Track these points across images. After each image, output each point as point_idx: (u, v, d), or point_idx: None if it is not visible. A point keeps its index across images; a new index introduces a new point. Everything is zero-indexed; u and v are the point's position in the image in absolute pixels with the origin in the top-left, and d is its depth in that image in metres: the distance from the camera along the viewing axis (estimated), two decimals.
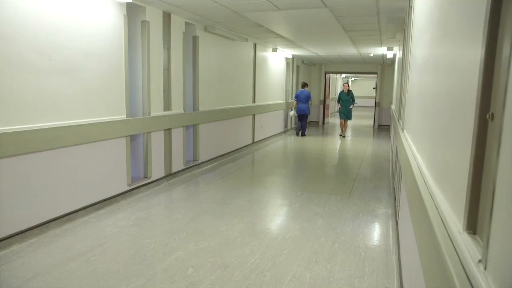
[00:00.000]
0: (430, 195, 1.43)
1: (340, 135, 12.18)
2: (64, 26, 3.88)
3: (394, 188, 5.39)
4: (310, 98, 12.01)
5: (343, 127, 12.15)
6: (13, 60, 3.38)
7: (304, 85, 12.28)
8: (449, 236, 1.03)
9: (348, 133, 13.41)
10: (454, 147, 1.16)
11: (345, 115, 11.96)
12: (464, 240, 0.91)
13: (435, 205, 1.30)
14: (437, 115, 1.56)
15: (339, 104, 12.19)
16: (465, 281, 0.80)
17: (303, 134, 12.17)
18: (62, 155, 3.97)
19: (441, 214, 1.20)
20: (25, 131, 3.51)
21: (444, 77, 1.44)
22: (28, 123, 3.57)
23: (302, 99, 11.85)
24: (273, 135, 11.37)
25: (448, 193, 1.21)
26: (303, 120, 12.10)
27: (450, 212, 1.13)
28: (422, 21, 2.54)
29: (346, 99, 11.90)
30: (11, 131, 3.38)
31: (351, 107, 11.92)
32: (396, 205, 4.51)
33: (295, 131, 12.49)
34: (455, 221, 1.04)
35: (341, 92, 12.16)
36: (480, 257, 0.79)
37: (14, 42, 3.38)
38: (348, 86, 12.11)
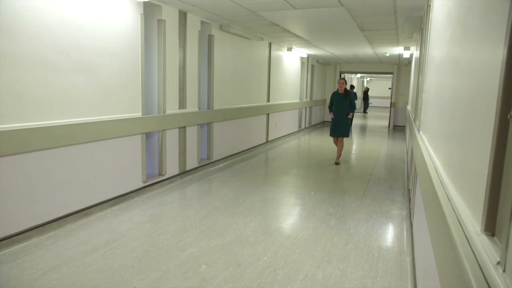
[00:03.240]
0: (447, 196, 1.42)
1: (335, 163, 7.59)
2: (82, 25, 3.95)
3: (408, 189, 5.33)
4: (357, 96, 14.99)
5: (338, 148, 7.70)
6: (35, 59, 3.46)
7: (352, 86, 16.54)
8: (466, 238, 1.02)
9: (359, 135, 13.05)
10: (473, 148, 1.14)
11: (339, 129, 7.47)
12: (482, 242, 0.90)
13: (452, 206, 1.29)
14: (455, 115, 1.54)
15: (330, 113, 7.61)
16: (483, 283, 0.79)
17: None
18: (80, 152, 4.05)
19: (458, 216, 1.18)
20: (45, 127, 3.58)
21: (463, 77, 1.42)
22: (48, 120, 3.64)
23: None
24: (287, 135, 11.35)
25: (466, 195, 1.19)
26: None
27: (468, 213, 1.12)
28: (441, 20, 2.51)
29: (342, 103, 7.40)
30: (32, 127, 3.46)
31: (350, 116, 7.50)
32: (410, 206, 4.46)
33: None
34: (473, 223, 1.03)
35: (335, 93, 7.60)
36: (498, 259, 0.78)
37: (36, 41, 3.46)
38: (345, 83, 7.58)
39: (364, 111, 23.93)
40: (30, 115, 3.47)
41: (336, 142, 7.74)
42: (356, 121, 18.07)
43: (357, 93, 21.89)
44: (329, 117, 18.27)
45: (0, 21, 3.14)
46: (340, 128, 7.45)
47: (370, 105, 28.05)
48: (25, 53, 3.37)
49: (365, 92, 24.16)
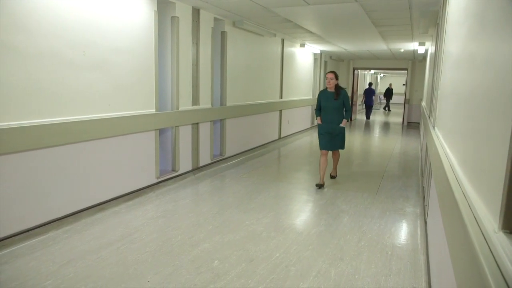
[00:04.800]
0: (463, 193, 1.40)
1: (318, 186, 5.46)
2: (98, 23, 4.00)
3: (423, 187, 5.27)
4: (375, 93, 15.47)
5: (323, 167, 5.50)
6: (52, 56, 3.52)
7: (370, 84, 17.74)
8: (483, 235, 1.01)
9: (373, 132, 13.01)
10: (490, 144, 1.12)
11: (334, 141, 5.57)
12: (499, 239, 0.89)
13: (468, 203, 1.27)
14: (472, 111, 1.51)
15: (317, 118, 5.63)
16: (501, 282, 0.78)
17: (368, 118, 16.72)
18: (95, 147, 4.11)
19: (474, 213, 1.16)
20: (61, 123, 3.65)
21: (481, 73, 1.40)
22: (64, 116, 3.71)
23: (369, 94, 16.59)
24: (300, 131, 11.32)
25: (483, 192, 1.18)
26: (369, 109, 16.94)
27: (485, 211, 1.11)
28: (458, 14, 2.47)
29: (333, 106, 5.45)
30: (48, 123, 3.52)
31: (342, 124, 5.50)
32: (425, 204, 4.41)
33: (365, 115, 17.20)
34: (490, 220, 1.02)
35: (322, 92, 5.63)
36: None
37: (52, 39, 3.51)
38: (336, 77, 5.45)
39: (388, 109, 22.60)
40: (47, 111, 3.54)
41: (324, 157, 5.51)
42: (374, 117, 17.93)
43: (375, 90, 21.59)
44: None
45: (18, 19, 3.20)
46: (334, 139, 5.53)
47: (382, 101, 27.71)
48: (42, 50, 3.43)
49: (389, 90, 22.36)
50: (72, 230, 3.70)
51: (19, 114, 3.29)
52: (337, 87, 5.45)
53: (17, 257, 3.13)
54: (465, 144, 1.63)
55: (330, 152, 5.73)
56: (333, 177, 6.07)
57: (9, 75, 3.17)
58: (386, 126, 15.15)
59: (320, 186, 5.44)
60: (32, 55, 3.35)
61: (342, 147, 5.72)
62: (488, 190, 1.10)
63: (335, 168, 6.11)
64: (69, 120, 3.74)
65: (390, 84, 23.19)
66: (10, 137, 3.20)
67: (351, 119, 12.39)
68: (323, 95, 5.56)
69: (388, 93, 22.34)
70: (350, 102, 5.66)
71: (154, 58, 4.86)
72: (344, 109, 5.50)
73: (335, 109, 5.44)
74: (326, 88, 5.55)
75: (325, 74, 5.57)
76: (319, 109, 5.59)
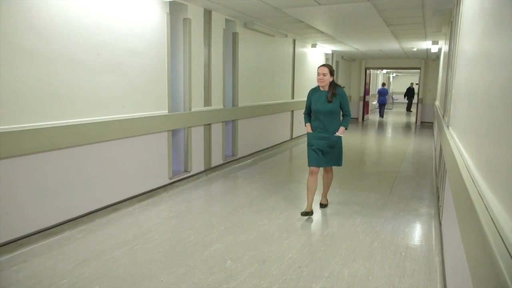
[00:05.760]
0: (479, 193, 1.38)
1: (304, 214, 4.20)
2: (111, 26, 4.05)
3: (437, 187, 5.20)
4: (388, 92, 15.60)
5: (311, 189, 4.32)
6: (67, 58, 3.58)
7: (383, 84, 18.46)
8: (500, 236, 0.99)
9: (386, 132, 12.88)
10: (507, 144, 1.11)
11: (328, 156, 4.32)
12: None
13: (485, 204, 1.26)
14: (488, 111, 1.49)
15: (306, 125, 4.47)
16: None
17: (381, 116, 17.46)
18: (109, 148, 4.16)
19: (491, 213, 1.15)
20: (76, 125, 3.70)
21: (496, 71, 1.38)
22: (79, 117, 3.76)
23: (382, 93, 17.20)
24: None
25: (499, 191, 1.16)
26: (382, 107, 17.61)
27: (502, 211, 1.09)
28: (472, 12, 2.43)
29: (326, 110, 4.19)
30: (64, 124, 3.58)
31: (339, 133, 4.24)
32: (439, 204, 4.35)
33: (379, 114, 18.06)
34: (507, 221, 1.00)
35: (313, 90, 4.36)
36: None
37: (67, 41, 3.57)
38: (332, 74, 4.16)
39: (409, 110, 21.09)
40: (62, 113, 3.60)
41: (313, 176, 4.30)
42: (386, 117, 17.80)
43: (388, 90, 21.11)
44: (354, 113, 17.81)
45: (33, 23, 3.26)
46: (327, 153, 4.25)
47: (395, 101, 27.35)
48: (56, 53, 3.49)
49: (410, 89, 20.72)
50: (86, 230, 3.76)
51: (35, 116, 3.35)
52: (332, 85, 4.16)
53: (34, 256, 3.20)
54: (481, 143, 1.60)
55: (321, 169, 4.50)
56: (323, 205, 4.60)
57: (24, 78, 3.24)
58: (399, 126, 14.99)
59: (306, 214, 4.17)
60: (47, 58, 3.41)
61: (339, 163, 4.37)
62: (505, 189, 1.08)
63: (325, 194, 4.62)
64: (83, 121, 3.80)
65: (412, 83, 21.32)
66: (27, 139, 3.26)
67: (365, 118, 11.91)
68: (313, 96, 4.26)
69: (410, 93, 20.80)
70: (349, 104, 4.31)
71: (166, 60, 4.90)
72: (341, 113, 4.27)
73: (329, 113, 4.15)
74: (318, 86, 4.25)
75: (318, 68, 4.20)
76: (309, 113, 4.36)
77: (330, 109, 4.16)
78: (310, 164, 4.35)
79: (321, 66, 4.22)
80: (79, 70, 3.73)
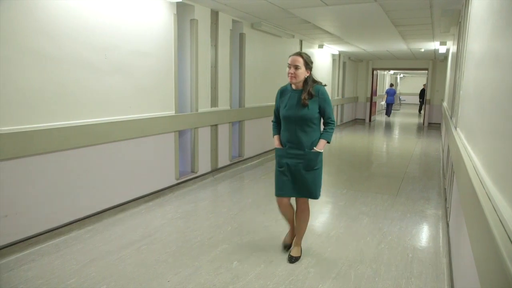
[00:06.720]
0: (487, 195, 1.37)
1: (285, 246, 3.40)
2: (119, 27, 4.08)
3: (444, 188, 5.16)
4: (396, 93, 16.99)
5: (288, 215, 3.29)
6: (75, 60, 3.62)
7: (391, 85, 19.69)
8: (509, 237, 0.99)
9: (393, 133, 12.79)
10: None
11: (291, 181, 3.09)
12: None
13: (493, 205, 1.25)
14: (496, 111, 1.48)
15: (274, 137, 3.26)
16: None
17: (388, 115, 18.61)
18: (116, 149, 4.19)
19: (499, 215, 1.14)
20: (84, 126, 3.73)
21: (505, 72, 1.37)
22: (86, 118, 3.80)
23: (390, 93, 18.20)
24: None
25: (508, 193, 1.15)
26: (390, 107, 18.66)
27: (510, 212, 1.08)
28: (481, 12, 2.41)
29: (298, 116, 3.00)
30: (72, 125, 3.61)
31: (318, 149, 3.03)
32: (447, 206, 4.32)
33: (386, 113, 19.12)
34: None
35: (282, 90, 3.19)
36: None
37: (75, 43, 3.61)
38: (308, 66, 3.04)
39: (420, 111, 20.66)
40: (70, 114, 3.63)
41: (285, 208, 3.23)
42: (393, 118, 17.69)
43: (396, 91, 21.08)
44: (361, 114, 17.87)
45: (41, 24, 3.30)
46: (300, 178, 3.08)
47: (403, 102, 27.19)
48: (65, 54, 3.53)
49: (424, 91, 18.81)
50: (94, 230, 3.79)
51: (44, 116, 3.39)
52: (309, 82, 3.04)
53: (42, 255, 3.23)
54: (489, 144, 1.59)
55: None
56: (293, 258, 3.19)
57: (34, 79, 3.27)
58: (406, 126, 14.91)
59: (286, 246, 3.39)
60: (56, 59, 3.44)
61: (315, 194, 3.11)
62: None
63: (298, 241, 3.29)
64: (90, 122, 3.83)
65: (425, 85, 19.40)
66: (37, 139, 3.30)
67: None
68: (282, 97, 3.16)
69: (424, 94, 19.29)
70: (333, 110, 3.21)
71: (173, 61, 4.93)
72: (320, 121, 3.12)
73: (304, 121, 3.00)
74: (289, 84, 3.14)
75: (289, 58, 3.11)
76: (278, 122, 3.25)
77: (305, 115, 2.98)
78: (277, 193, 3.15)
79: (292, 55, 3.07)
80: (87, 71, 3.76)
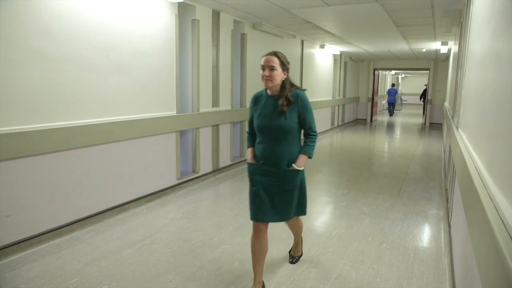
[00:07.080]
0: (489, 196, 1.37)
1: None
2: (120, 27, 4.09)
3: (446, 188, 5.16)
4: (397, 92, 17.95)
5: (257, 254, 2.66)
6: (76, 60, 3.62)
7: (393, 84, 20.17)
8: (511, 238, 0.99)
9: (394, 133, 12.78)
10: None
11: (269, 203, 2.62)
12: None
13: (495, 205, 1.24)
14: (498, 112, 1.48)
15: (249, 149, 2.75)
16: None
17: (391, 115, 19.21)
18: (117, 149, 4.20)
19: (501, 216, 1.14)
20: (85, 126, 3.74)
21: (507, 72, 1.37)
22: (88, 118, 3.80)
23: (392, 93, 19.07)
24: (320, 132, 11.25)
25: (510, 194, 1.15)
26: (391, 106, 19.34)
27: None
28: (483, 12, 2.41)
29: (274, 127, 2.58)
30: (73, 125, 3.62)
31: (297, 166, 2.60)
32: (448, 206, 4.31)
33: (388, 112, 19.87)
34: None
35: (256, 96, 2.79)
36: None
37: (77, 43, 3.61)
38: (284, 67, 2.66)
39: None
40: (71, 114, 3.64)
41: (259, 237, 2.72)
42: (395, 118, 17.67)
43: (397, 90, 21.52)
44: (362, 114, 17.88)
45: (43, 25, 3.30)
46: (279, 199, 2.65)
47: (404, 102, 27.22)
48: (67, 54, 3.53)
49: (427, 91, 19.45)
50: (95, 230, 3.79)
51: (46, 116, 3.39)
52: (286, 86, 2.67)
53: (44, 255, 3.23)
54: (491, 145, 1.59)
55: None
56: (293, 259, 3.20)
57: (34, 79, 3.28)
58: (407, 127, 14.89)
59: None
60: (57, 59, 3.45)
61: (301, 211, 2.82)
62: None
63: (298, 241, 3.21)
64: (92, 122, 3.84)
65: (426, 85, 20.03)
66: (38, 139, 3.30)
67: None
68: (257, 104, 2.76)
69: (426, 95, 19.50)
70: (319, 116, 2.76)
71: (175, 61, 4.93)
72: (300, 133, 2.73)
73: (281, 132, 2.60)
74: (265, 89, 2.76)
75: (262, 58, 2.67)
76: (253, 133, 2.80)
77: (282, 125, 2.58)
78: (253, 217, 2.67)
79: (266, 55, 2.64)
80: (88, 71, 3.77)
